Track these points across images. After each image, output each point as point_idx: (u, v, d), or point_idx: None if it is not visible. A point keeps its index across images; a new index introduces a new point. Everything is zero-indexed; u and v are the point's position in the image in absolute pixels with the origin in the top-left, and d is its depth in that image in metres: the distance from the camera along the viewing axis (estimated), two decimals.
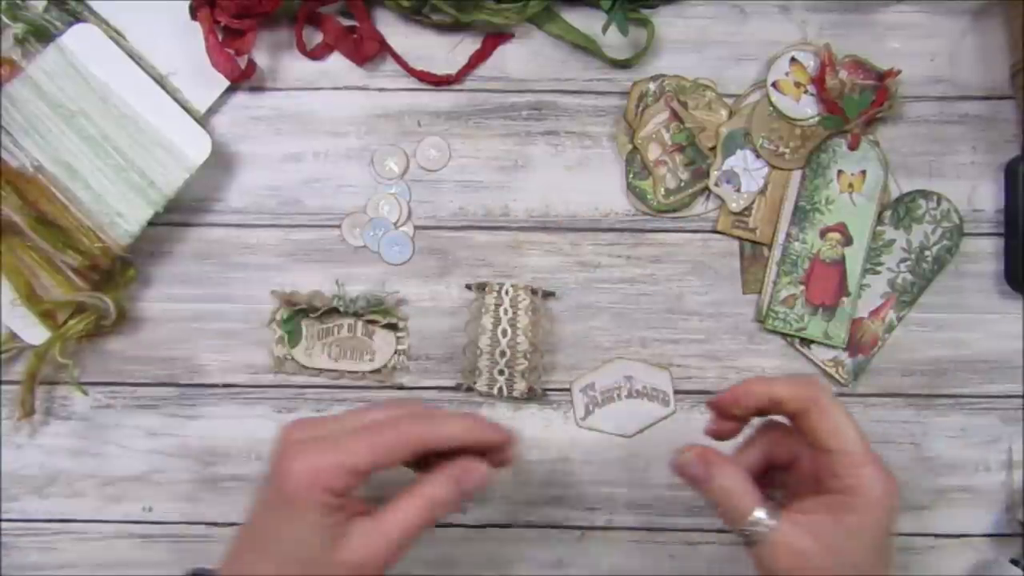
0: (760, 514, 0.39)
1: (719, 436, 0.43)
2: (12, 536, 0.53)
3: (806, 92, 0.52)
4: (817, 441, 0.40)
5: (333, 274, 0.53)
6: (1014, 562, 0.51)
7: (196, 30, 0.50)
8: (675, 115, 0.53)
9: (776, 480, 0.43)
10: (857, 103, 0.52)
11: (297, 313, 0.52)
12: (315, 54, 0.53)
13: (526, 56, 0.53)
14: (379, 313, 0.52)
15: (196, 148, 0.50)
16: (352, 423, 0.40)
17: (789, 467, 0.42)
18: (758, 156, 0.53)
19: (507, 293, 0.52)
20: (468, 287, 0.53)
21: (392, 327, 0.52)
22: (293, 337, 0.53)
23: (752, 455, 0.43)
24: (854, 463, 0.39)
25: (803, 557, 0.38)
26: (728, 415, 0.42)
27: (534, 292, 0.52)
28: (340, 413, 0.41)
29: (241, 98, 0.53)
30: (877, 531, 0.39)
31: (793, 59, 0.53)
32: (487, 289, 0.52)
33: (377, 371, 0.53)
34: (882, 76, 0.52)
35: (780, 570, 0.39)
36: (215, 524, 0.53)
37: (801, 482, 0.42)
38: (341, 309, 0.52)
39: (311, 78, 0.53)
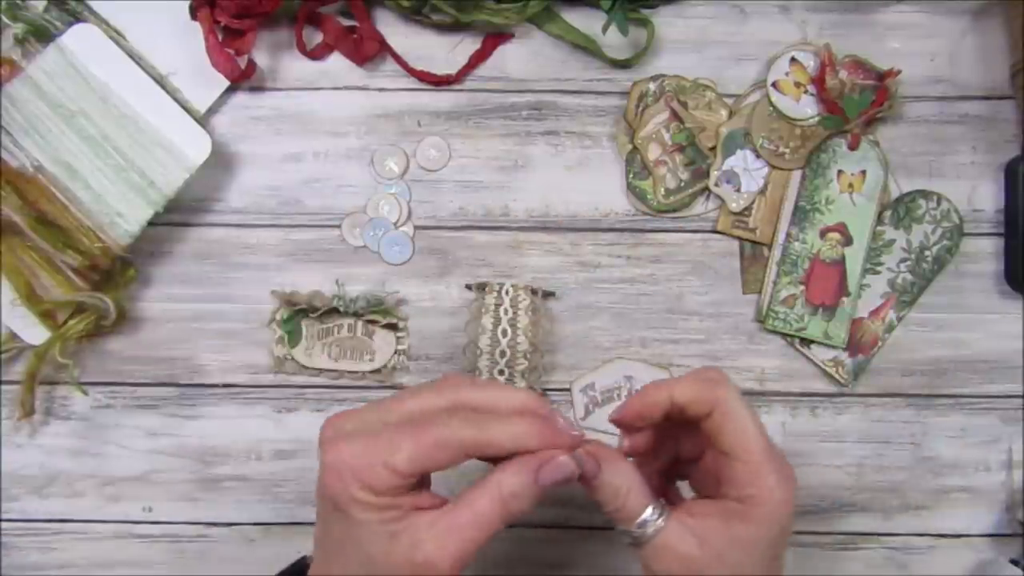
0: (649, 514, 0.37)
1: (635, 453, 0.41)
2: (12, 536, 0.53)
3: (806, 92, 0.52)
4: (718, 444, 0.38)
5: (333, 274, 0.53)
6: (1014, 562, 0.51)
7: (196, 30, 0.50)
8: (675, 115, 0.53)
9: (682, 471, 0.42)
10: (857, 103, 0.52)
11: (297, 313, 0.52)
12: (315, 54, 0.53)
13: (526, 56, 0.53)
14: (379, 313, 0.52)
15: (196, 148, 0.50)
16: (397, 412, 0.36)
17: (695, 460, 0.41)
18: (758, 156, 0.53)
19: (507, 293, 0.52)
20: (468, 287, 0.53)
21: (392, 327, 0.52)
22: (293, 337, 0.53)
23: (643, 440, 0.41)
24: (753, 472, 0.37)
25: (688, 562, 0.37)
26: (635, 429, 0.40)
27: (534, 292, 0.52)
28: (386, 399, 0.37)
29: (241, 98, 0.53)
30: (770, 543, 0.37)
31: (793, 59, 0.53)
32: (487, 289, 0.52)
33: (377, 371, 0.53)
34: (882, 76, 0.52)
35: (658, 569, 0.37)
36: (215, 524, 0.53)
37: (705, 478, 0.40)
38: (341, 309, 0.52)
39: (311, 78, 0.53)
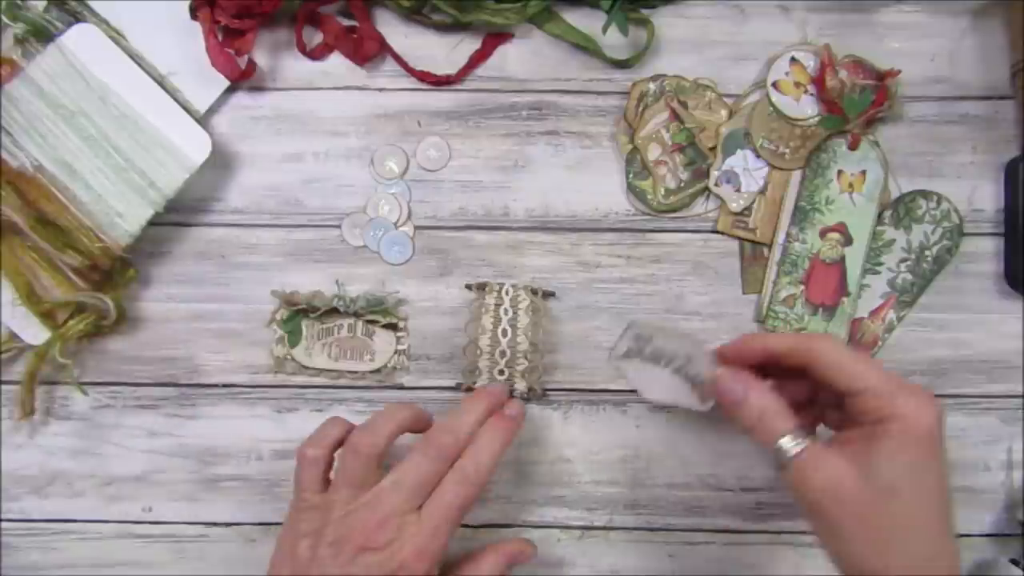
0: (791, 436, 0.39)
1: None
2: (12, 536, 0.53)
3: (806, 92, 0.52)
4: (837, 389, 0.39)
5: (333, 274, 0.53)
6: (1014, 562, 0.51)
7: (196, 30, 0.50)
8: (675, 115, 0.53)
9: (825, 418, 0.44)
10: (857, 103, 0.52)
11: (297, 313, 0.52)
12: (315, 54, 0.53)
13: (526, 56, 0.53)
14: (379, 313, 0.52)
15: (196, 148, 0.50)
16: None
17: (836, 405, 0.42)
18: (758, 156, 0.53)
19: (507, 293, 0.52)
20: (468, 287, 0.53)
21: (392, 327, 0.52)
22: (293, 337, 0.53)
23: (788, 386, 0.43)
24: (881, 397, 0.38)
25: (836, 478, 0.38)
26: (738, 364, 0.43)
27: (534, 292, 0.52)
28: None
29: (241, 98, 0.53)
30: (917, 453, 0.38)
31: (793, 59, 0.53)
32: (487, 289, 0.52)
33: (377, 371, 0.53)
34: (882, 76, 0.52)
35: (813, 492, 0.38)
36: (215, 524, 0.53)
37: (845, 420, 0.41)
38: (341, 309, 0.52)
39: (311, 78, 0.53)
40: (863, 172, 0.52)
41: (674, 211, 0.53)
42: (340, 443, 0.45)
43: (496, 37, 0.53)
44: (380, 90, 0.53)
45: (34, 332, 0.51)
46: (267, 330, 0.53)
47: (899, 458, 0.38)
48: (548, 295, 0.53)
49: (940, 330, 0.53)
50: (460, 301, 0.53)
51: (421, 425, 0.47)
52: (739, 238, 0.53)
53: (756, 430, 0.41)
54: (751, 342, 0.43)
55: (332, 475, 0.45)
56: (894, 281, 0.53)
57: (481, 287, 0.52)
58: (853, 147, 0.52)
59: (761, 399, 0.41)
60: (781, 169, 0.53)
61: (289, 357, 0.53)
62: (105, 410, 0.53)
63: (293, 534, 0.44)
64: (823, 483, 0.38)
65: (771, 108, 0.53)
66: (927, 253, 0.52)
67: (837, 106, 0.52)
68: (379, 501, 0.43)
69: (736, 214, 0.53)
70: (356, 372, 0.53)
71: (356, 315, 0.52)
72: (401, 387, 0.53)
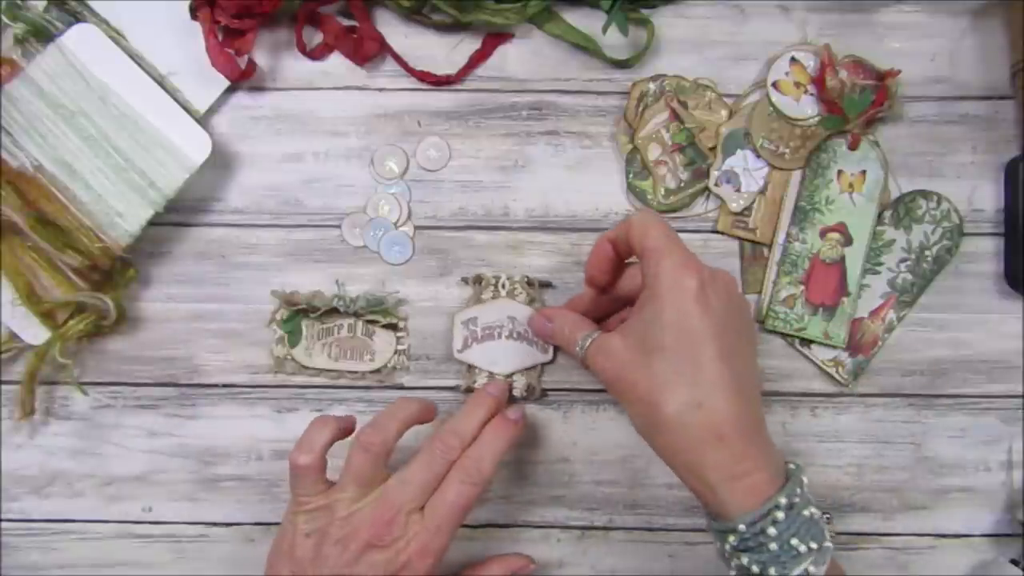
0: (589, 335, 0.44)
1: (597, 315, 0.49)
2: (12, 536, 0.53)
3: (806, 92, 0.52)
4: (635, 251, 0.43)
5: (333, 274, 0.53)
6: (1014, 562, 0.51)
7: (196, 30, 0.50)
8: (675, 115, 0.53)
9: None
10: (857, 103, 0.52)
11: (297, 313, 0.52)
12: (315, 54, 0.53)
13: (526, 56, 0.53)
14: (379, 313, 0.52)
15: (196, 148, 0.50)
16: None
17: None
18: (758, 156, 0.53)
19: (504, 286, 0.52)
20: (464, 280, 0.53)
21: (392, 327, 0.52)
22: (293, 337, 0.53)
23: (587, 296, 0.49)
24: (653, 257, 0.41)
25: (613, 350, 0.42)
26: (600, 284, 0.47)
27: (530, 283, 0.52)
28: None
29: (241, 98, 0.53)
30: (677, 312, 0.40)
31: (793, 59, 0.53)
32: (483, 283, 0.52)
33: (377, 371, 0.53)
34: (882, 76, 0.52)
35: (600, 371, 0.43)
36: (215, 524, 0.53)
37: None
38: (341, 309, 0.52)
39: (311, 78, 0.53)
40: (863, 172, 0.52)
41: (674, 211, 0.53)
42: (331, 444, 0.45)
43: (496, 37, 0.53)
44: (380, 90, 0.53)
45: (34, 332, 0.51)
46: (267, 330, 0.53)
47: (661, 317, 0.40)
48: (545, 285, 0.53)
49: (940, 330, 0.53)
50: (460, 301, 0.53)
51: (428, 417, 0.47)
52: (739, 238, 0.53)
53: (565, 344, 0.46)
54: (597, 245, 0.45)
55: (331, 474, 0.45)
56: (894, 281, 0.53)
57: (478, 280, 0.52)
58: (853, 147, 0.52)
59: (563, 319, 0.47)
60: (781, 169, 0.53)
61: (289, 357, 0.53)
62: (105, 410, 0.53)
63: (292, 534, 0.43)
64: (604, 359, 0.42)
65: (771, 108, 0.53)
66: (927, 253, 0.52)
67: (837, 106, 0.52)
68: (387, 499, 0.43)
69: (736, 214, 0.53)
70: (356, 372, 0.53)
71: (356, 315, 0.52)
72: (401, 387, 0.53)
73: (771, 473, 0.40)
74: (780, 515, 0.39)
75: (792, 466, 0.41)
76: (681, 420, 0.39)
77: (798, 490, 0.40)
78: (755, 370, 0.43)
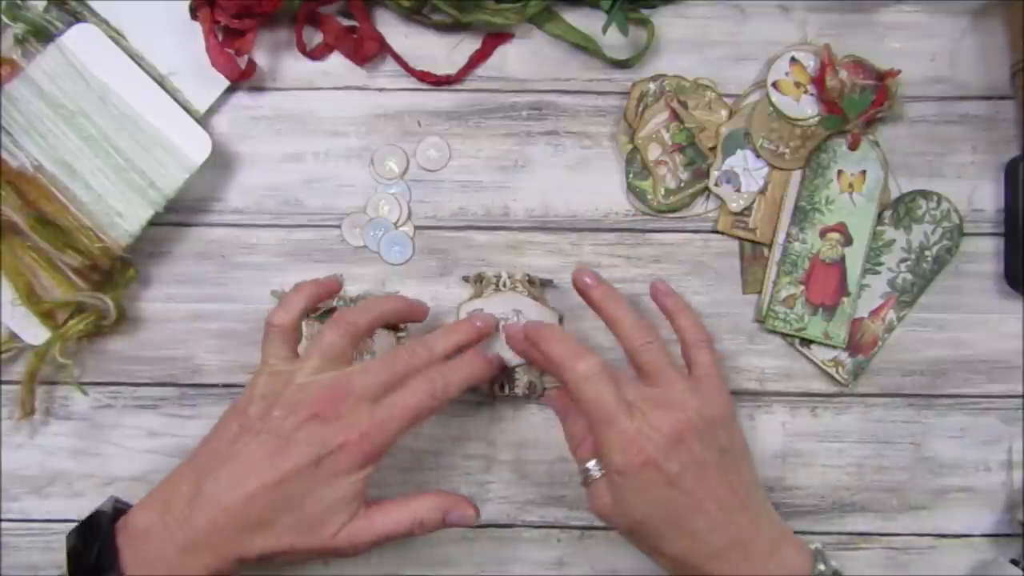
0: (591, 465, 0.44)
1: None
2: (12, 536, 0.53)
3: (806, 92, 0.52)
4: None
5: (333, 274, 0.53)
6: (1014, 562, 0.51)
7: (196, 30, 0.50)
8: (675, 115, 0.53)
9: None
10: (857, 103, 0.52)
11: None
12: (315, 54, 0.53)
13: (526, 56, 0.53)
14: None
15: (196, 148, 0.50)
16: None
17: None
18: (758, 156, 0.53)
19: (505, 284, 0.52)
20: (465, 279, 0.53)
21: (392, 327, 0.52)
22: None
23: None
24: (601, 436, 0.43)
25: (608, 512, 0.44)
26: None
27: (531, 281, 0.52)
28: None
29: (241, 98, 0.53)
30: (640, 488, 0.42)
31: (793, 59, 0.53)
32: (484, 281, 0.52)
33: None
34: (882, 76, 0.52)
35: (598, 515, 0.45)
36: None
37: None
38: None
39: (311, 78, 0.53)
40: (863, 172, 0.52)
41: (674, 211, 0.53)
42: (307, 312, 0.47)
43: (496, 37, 0.53)
44: (380, 90, 0.53)
45: (34, 332, 0.51)
46: (250, 319, 0.52)
47: (628, 498, 0.43)
48: (546, 283, 0.53)
49: (940, 330, 0.53)
50: (460, 301, 0.53)
51: (416, 316, 0.49)
52: (739, 238, 0.53)
53: (571, 448, 0.47)
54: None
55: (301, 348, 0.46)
56: (894, 281, 0.53)
57: (479, 279, 0.52)
58: (853, 147, 0.52)
59: (576, 424, 0.46)
60: (781, 169, 0.53)
61: None
62: (105, 410, 0.53)
63: (250, 393, 0.44)
64: (599, 511, 0.44)
65: (771, 108, 0.53)
66: (927, 253, 0.52)
67: (837, 106, 0.52)
68: (344, 379, 0.43)
69: (736, 214, 0.53)
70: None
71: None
72: None
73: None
74: None
75: (817, 558, 0.43)
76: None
77: None
78: (747, 480, 0.45)
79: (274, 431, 0.42)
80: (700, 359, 0.47)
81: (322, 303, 0.52)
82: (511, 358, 0.51)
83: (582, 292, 0.48)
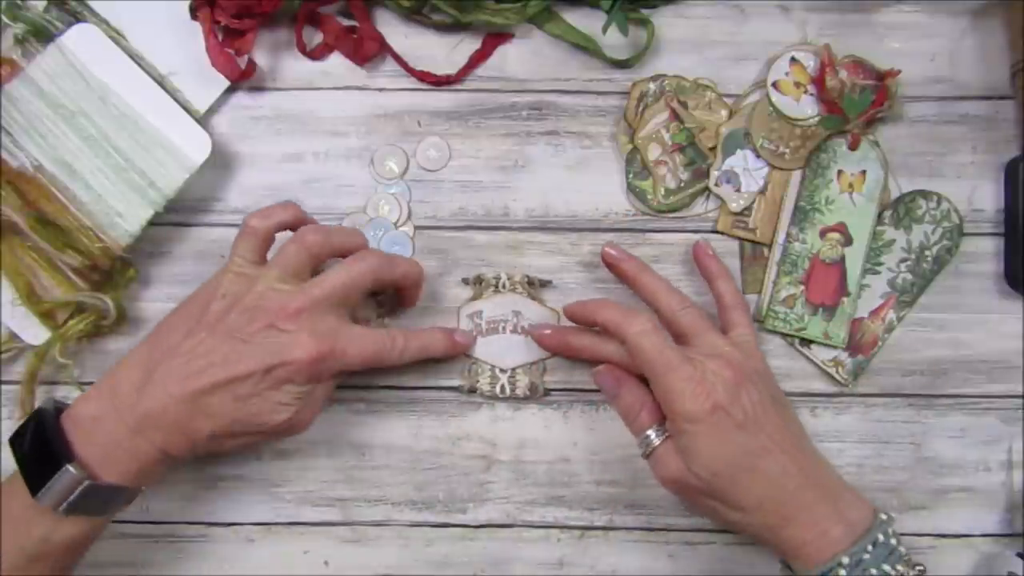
0: (651, 432, 0.46)
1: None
2: None
3: (806, 92, 0.52)
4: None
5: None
6: (1021, 556, 0.51)
7: (196, 30, 0.50)
8: (675, 115, 0.53)
9: None
10: (857, 103, 0.52)
11: None
12: (315, 54, 0.53)
13: (526, 56, 0.53)
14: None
15: (196, 148, 0.50)
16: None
17: None
18: (758, 156, 0.53)
19: (504, 285, 0.52)
20: (465, 281, 0.53)
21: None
22: None
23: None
24: (663, 391, 0.44)
25: (676, 473, 0.45)
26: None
27: (530, 282, 0.52)
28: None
29: (241, 98, 0.53)
30: (711, 435, 0.43)
31: (793, 59, 0.53)
32: (483, 283, 0.52)
33: None
34: (882, 76, 0.52)
35: (665, 482, 0.46)
36: (215, 524, 0.53)
37: None
38: None
39: (311, 78, 0.53)
40: (863, 172, 0.52)
41: (674, 211, 0.53)
42: (286, 227, 0.48)
43: (496, 37, 0.53)
44: (380, 90, 0.53)
45: (34, 332, 0.51)
46: None
47: (702, 447, 0.43)
48: (545, 284, 0.53)
49: (940, 330, 0.53)
50: (461, 301, 0.53)
51: (402, 280, 0.49)
52: (739, 238, 0.53)
53: (628, 421, 0.48)
54: (581, 309, 0.49)
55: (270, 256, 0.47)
56: (894, 281, 0.53)
57: (478, 280, 0.52)
58: (853, 147, 0.52)
59: (631, 394, 0.47)
60: (781, 169, 0.53)
61: None
62: None
63: (212, 289, 0.46)
64: (669, 476, 0.45)
65: (771, 108, 0.53)
66: (927, 253, 0.52)
67: (837, 106, 0.52)
68: (303, 290, 0.45)
69: (736, 214, 0.53)
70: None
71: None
72: (402, 389, 0.53)
73: (844, 528, 0.43)
74: (842, 573, 0.41)
75: (882, 517, 0.44)
76: (750, 520, 0.44)
77: (869, 547, 0.42)
78: (798, 428, 0.47)
79: (230, 332, 0.44)
80: (738, 320, 0.49)
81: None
82: (514, 359, 0.51)
83: (612, 266, 0.50)
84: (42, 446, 0.42)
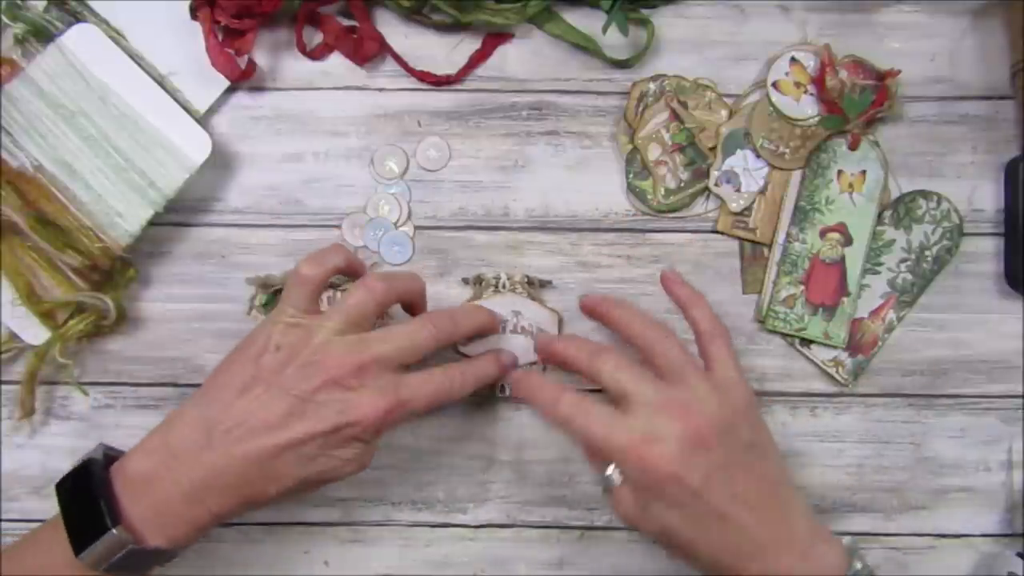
0: (612, 472, 0.43)
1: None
2: (12, 536, 0.53)
3: (806, 92, 0.52)
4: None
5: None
6: (1021, 556, 0.51)
7: (196, 30, 0.50)
8: (675, 115, 0.53)
9: None
10: (857, 103, 0.52)
11: (274, 295, 0.52)
12: (315, 54, 0.53)
13: (526, 56, 0.53)
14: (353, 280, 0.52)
15: (196, 148, 0.50)
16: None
17: None
18: (758, 156, 0.53)
19: (504, 285, 0.52)
20: (465, 281, 0.53)
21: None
22: None
23: None
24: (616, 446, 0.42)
25: (633, 518, 0.43)
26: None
27: (530, 282, 0.52)
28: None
29: (241, 98, 0.53)
30: (651, 487, 0.41)
31: (793, 59, 0.53)
32: (483, 283, 0.52)
33: None
34: (882, 76, 0.52)
35: (623, 519, 0.43)
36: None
37: None
38: None
39: (311, 78, 0.53)
40: (863, 172, 0.52)
41: (674, 211, 0.53)
42: (339, 272, 0.46)
43: (496, 37, 0.53)
44: (380, 90, 0.53)
45: (34, 332, 0.51)
46: (248, 319, 0.52)
47: (653, 508, 0.41)
48: (545, 284, 0.53)
49: (940, 330, 0.53)
50: (460, 301, 0.53)
51: (419, 305, 0.48)
52: (739, 238, 0.53)
53: (588, 455, 0.46)
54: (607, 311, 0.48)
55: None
56: (894, 281, 0.53)
57: (478, 280, 0.52)
58: (853, 147, 0.52)
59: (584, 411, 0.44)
60: (781, 169, 0.53)
61: None
62: (105, 410, 0.53)
63: (265, 341, 0.43)
64: (625, 518, 0.43)
65: (771, 108, 0.53)
66: (927, 253, 0.52)
67: (837, 106, 0.52)
68: (365, 344, 0.43)
69: (736, 214, 0.53)
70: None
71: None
72: None
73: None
74: None
75: (857, 567, 0.42)
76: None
77: None
78: (775, 473, 0.44)
79: (290, 389, 0.41)
80: (716, 353, 0.45)
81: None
82: (527, 355, 0.52)
83: (591, 314, 0.49)
84: (90, 502, 0.40)
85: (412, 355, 0.44)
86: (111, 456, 0.43)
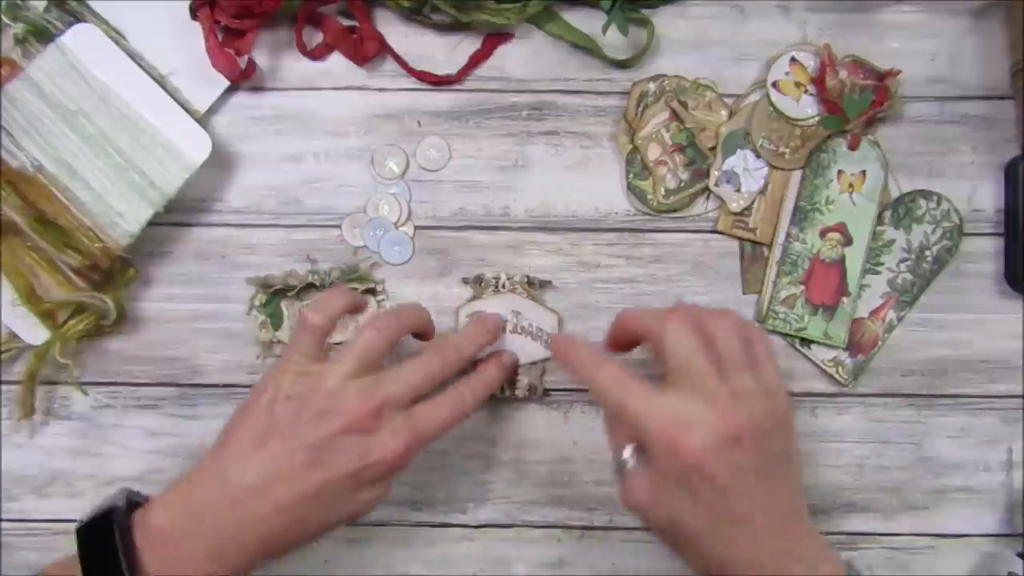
0: (628, 454, 0.42)
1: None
2: (12, 536, 0.53)
3: (806, 92, 0.52)
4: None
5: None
6: (1021, 556, 0.51)
7: (196, 30, 0.50)
8: (675, 115, 0.53)
9: None
10: (857, 103, 0.52)
11: (275, 295, 0.52)
12: (315, 54, 0.53)
13: (526, 56, 0.53)
14: (356, 280, 0.52)
15: (196, 148, 0.50)
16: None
17: None
18: (758, 156, 0.53)
19: (504, 285, 0.52)
20: (465, 281, 0.53)
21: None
22: (275, 320, 0.52)
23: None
24: (648, 422, 0.40)
25: (641, 503, 0.41)
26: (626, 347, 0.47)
27: (530, 283, 0.52)
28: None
29: (241, 98, 0.53)
30: (674, 473, 0.39)
31: (793, 59, 0.53)
32: (483, 283, 0.52)
33: None
34: (882, 76, 0.52)
35: (628, 506, 0.42)
36: None
37: None
38: (317, 284, 0.52)
39: (311, 78, 0.53)
40: (863, 172, 0.52)
41: (674, 211, 0.53)
42: (344, 314, 0.46)
43: (496, 37, 0.53)
44: (380, 90, 0.53)
45: (34, 332, 0.51)
46: (248, 318, 0.52)
47: (675, 495, 0.39)
48: (545, 284, 0.53)
49: (940, 330, 0.53)
50: (461, 301, 0.53)
51: (429, 335, 0.49)
52: (739, 238, 0.53)
53: (609, 430, 0.44)
54: (620, 324, 0.46)
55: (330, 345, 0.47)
56: (894, 281, 0.53)
57: (478, 280, 0.52)
58: (853, 147, 0.52)
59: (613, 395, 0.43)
60: (781, 169, 0.53)
61: (276, 340, 0.52)
62: (105, 410, 0.53)
63: (275, 391, 0.43)
64: (635, 506, 0.41)
65: (771, 108, 0.53)
66: (927, 253, 0.52)
67: (837, 106, 0.52)
68: (378, 386, 0.43)
69: (736, 214, 0.53)
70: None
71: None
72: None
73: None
74: None
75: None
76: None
77: None
78: (796, 485, 0.42)
79: (305, 439, 0.41)
80: (762, 355, 0.43)
81: (297, 282, 0.52)
82: (527, 355, 0.52)
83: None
84: (110, 556, 0.40)
85: (423, 391, 0.44)
86: (134, 501, 0.43)
